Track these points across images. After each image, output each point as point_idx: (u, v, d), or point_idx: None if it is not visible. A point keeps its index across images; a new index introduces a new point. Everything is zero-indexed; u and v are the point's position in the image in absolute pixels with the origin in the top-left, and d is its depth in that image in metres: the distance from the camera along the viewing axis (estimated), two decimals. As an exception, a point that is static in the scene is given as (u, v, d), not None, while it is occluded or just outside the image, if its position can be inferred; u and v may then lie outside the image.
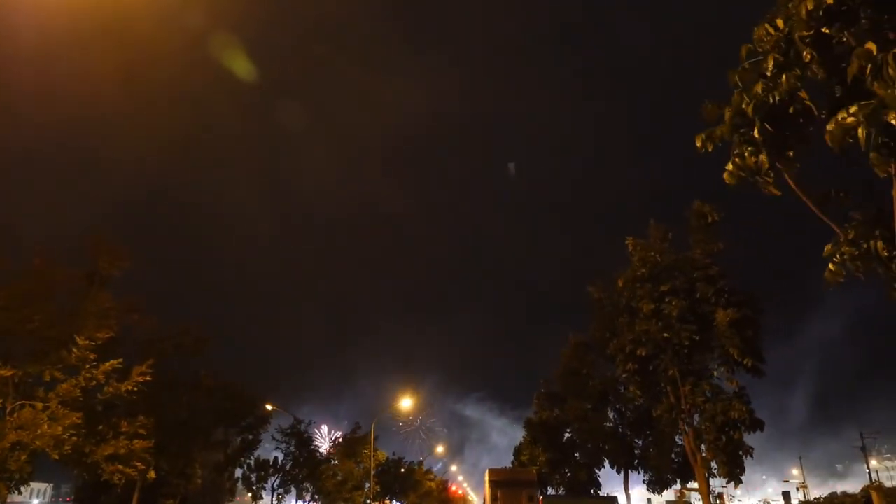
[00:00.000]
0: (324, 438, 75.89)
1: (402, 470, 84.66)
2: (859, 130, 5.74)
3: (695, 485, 30.49)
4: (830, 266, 7.90)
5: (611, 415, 41.03)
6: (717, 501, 27.06)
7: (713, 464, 24.17)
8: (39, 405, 21.10)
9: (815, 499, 39.80)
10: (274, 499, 52.50)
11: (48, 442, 19.78)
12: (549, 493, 45.53)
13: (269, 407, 45.83)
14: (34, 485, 78.78)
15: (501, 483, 44.56)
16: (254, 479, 49.56)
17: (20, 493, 23.02)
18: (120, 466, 23.33)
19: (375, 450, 56.10)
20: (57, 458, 20.69)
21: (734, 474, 23.28)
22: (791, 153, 8.22)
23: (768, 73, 7.37)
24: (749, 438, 23.66)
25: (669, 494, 45.44)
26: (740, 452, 23.24)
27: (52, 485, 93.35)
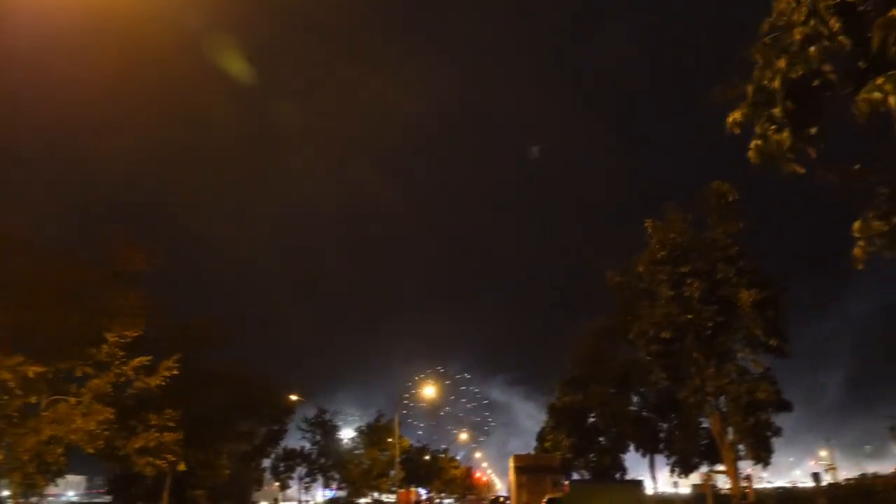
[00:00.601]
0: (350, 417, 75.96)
1: (427, 457, 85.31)
2: (891, 99, 5.62)
3: (722, 468, 30.32)
4: (860, 243, 7.76)
5: (634, 399, 40.87)
6: (745, 484, 26.85)
7: (740, 446, 24.00)
8: (73, 400, 21.56)
9: (845, 480, 39.38)
10: (301, 487, 53.24)
11: (82, 436, 20.22)
12: (573, 478, 45.56)
13: (293, 397, 46.31)
14: (69, 477, 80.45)
15: (526, 469, 44.65)
16: (281, 468, 50.24)
17: (57, 485, 23.62)
18: (151, 459, 23.78)
19: (400, 437, 56.49)
20: (91, 451, 21.13)
21: (762, 456, 23.11)
22: (813, 130, 8.07)
23: (794, 47, 7.22)
24: (779, 421, 23.45)
25: (696, 478, 45.26)
26: (768, 434, 23.05)
27: (86, 477, 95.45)
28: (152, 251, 25.62)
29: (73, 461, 23.39)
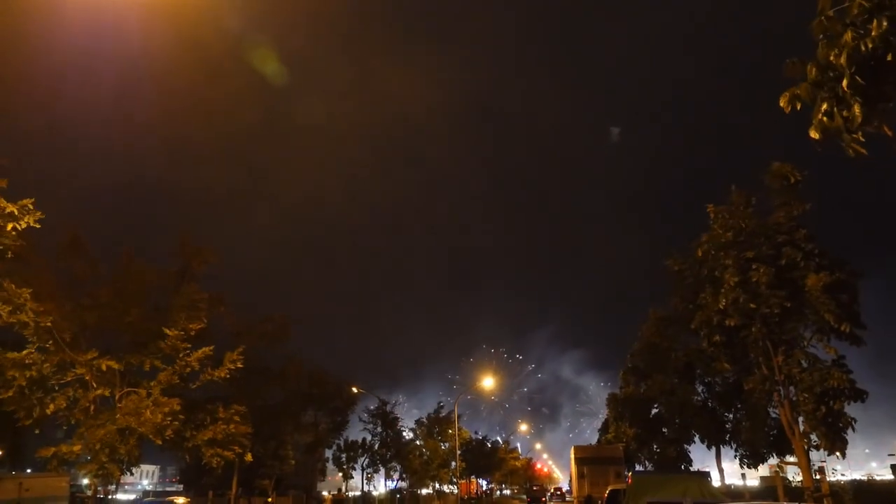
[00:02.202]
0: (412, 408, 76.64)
1: (487, 448, 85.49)
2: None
3: (792, 459, 29.29)
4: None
5: (699, 388, 39.89)
6: (818, 476, 25.86)
7: (812, 437, 23.08)
8: (143, 392, 22.49)
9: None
10: (364, 478, 54.07)
11: (151, 428, 21.03)
12: (636, 469, 44.83)
13: (354, 389, 47.08)
14: (143, 467, 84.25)
15: (587, 460, 44.21)
16: (344, 459, 51.11)
17: (131, 474, 24.70)
18: (218, 450, 24.56)
19: (459, 429, 56.74)
20: (160, 443, 21.97)
21: (836, 447, 22.16)
22: (889, 104, 7.62)
23: (857, 21, 6.83)
24: (857, 410, 22.42)
25: (764, 469, 43.87)
26: (841, 424, 22.09)
27: (159, 467, 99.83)
28: (210, 251, 26.41)
29: (147, 452, 24.41)
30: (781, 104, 8.76)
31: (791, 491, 36.11)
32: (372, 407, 55.01)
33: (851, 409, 22.45)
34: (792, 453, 29.91)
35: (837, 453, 22.45)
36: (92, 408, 21.88)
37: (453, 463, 58.24)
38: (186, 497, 40.53)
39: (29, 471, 35.12)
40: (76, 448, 21.35)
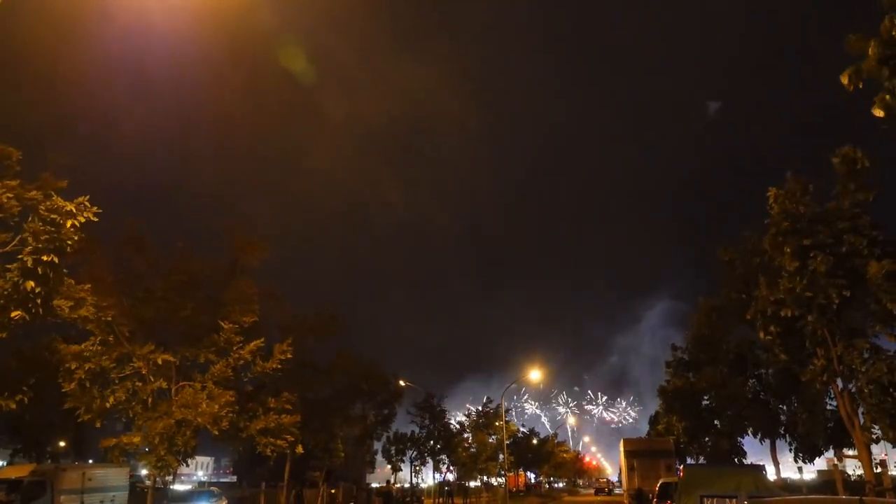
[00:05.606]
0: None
1: (535, 442, 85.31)
2: None
3: (851, 452, 28.37)
4: None
5: (750, 381, 38.96)
6: (879, 469, 25.02)
7: (874, 429, 22.30)
8: (198, 385, 23.10)
9: None
10: (412, 470, 54.53)
11: (208, 419, 21.60)
12: (688, 462, 44.11)
13: (402, 383, 47.44)
14: (199, 458, 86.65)
15: (637, 453, 43.75)
16: (392, 451, 51.62)
17: (188, 465, 25.40)
18: (271, 439, 25.10)
19: (507, 422, 56.67)
20: (217, 433, 22.54)
21: (900, 439, 21.35)
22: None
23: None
24: None
25: (820, 462, 42.70)
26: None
27: (213, 458, 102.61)
28: (260, 245, 26.81)
29: (202, 444, 25.03)
30: (843, 82, 8.41)
31: (850, 485, 35.03)
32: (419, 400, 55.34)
33: None
34: (849, 446, 29.00)
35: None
36: (150, 400, 22.58)
37: (501, 456, 58.18)
38: (218, 488, 42.07)
39: (91, 461, 36.43)
40: (136, 439, 22.05)
